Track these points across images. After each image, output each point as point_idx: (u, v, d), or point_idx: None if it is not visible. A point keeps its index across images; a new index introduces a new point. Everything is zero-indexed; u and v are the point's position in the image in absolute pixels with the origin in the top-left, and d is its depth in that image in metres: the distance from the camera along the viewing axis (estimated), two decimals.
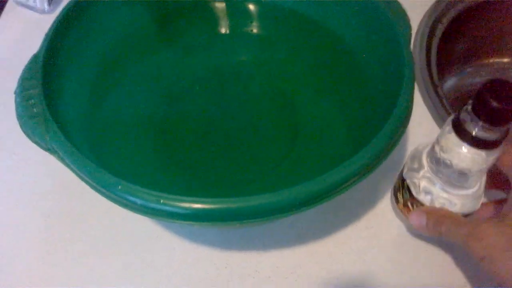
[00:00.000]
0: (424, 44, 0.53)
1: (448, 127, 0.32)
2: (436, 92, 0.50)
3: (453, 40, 0.57)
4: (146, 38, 0.47)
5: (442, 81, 0.62)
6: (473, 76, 0.62)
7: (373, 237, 0.40)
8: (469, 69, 0.62)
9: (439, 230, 0.35)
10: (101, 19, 0.43)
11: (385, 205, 0.42)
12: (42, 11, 0.57)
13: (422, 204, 0.36)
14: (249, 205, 0.28)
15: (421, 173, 0.35)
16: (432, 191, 0.35)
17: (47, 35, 0.38)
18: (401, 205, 0.39)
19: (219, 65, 0.48)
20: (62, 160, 0.31)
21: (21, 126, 0.33)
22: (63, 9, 0.39)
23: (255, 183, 0.41)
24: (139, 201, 0.28)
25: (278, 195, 0.28)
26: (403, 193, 0.38)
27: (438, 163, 0.34)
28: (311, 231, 0.40)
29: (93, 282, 0.38)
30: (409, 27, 0.38)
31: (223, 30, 0.49)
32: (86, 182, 0.30)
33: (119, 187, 0.28)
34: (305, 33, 0.46)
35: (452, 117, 0.32)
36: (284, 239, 0.40)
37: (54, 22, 0.38)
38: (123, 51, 0.45)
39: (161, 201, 0.28)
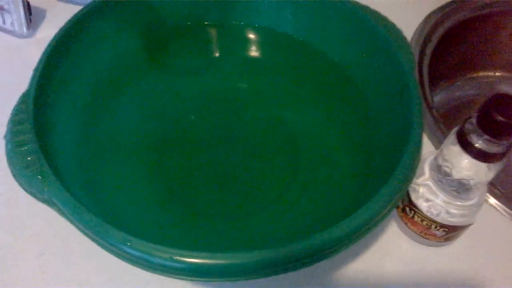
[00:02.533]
0: (416, 63, 0.53)
1: (452, 138, 0.33)
2: (431, 112, 0.50)
3: (443, 57, 0.57)
4: (137, 65, 0.45)
5: (432, 95, 0.62)
6: (462, 90, 0.63)
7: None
8: (457, 83, 0.63)
9: None
10: (89, 50, 0.41)
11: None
12: (21, 35, 0.54)
13: (419, 210, 0.37)
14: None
15: (422, 180, 0.36)
16: (431, 198, 0.36)
17: (36, 71, 0.35)
18: (400, 210, 0.39)
19: (214, 91, 0.46)
20: (62, 213, 0.29)
21: (14, 176, 0.31)
22: (51, 41, 0.37)
23: (255, 216, 0.40)
24: (151, 259, 0.27)
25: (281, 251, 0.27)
26: (403, 198, 0.38)
27: (440, 173, 0.35)
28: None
29: None
30: (411, 54, 0.38)
31: (217, 55, 0.47)
32: (91, 238, 0.29)
33: (128, 244, 0.27)
34: (304, 60, 0.45)
35: (456, 128, 0.33)
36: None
37: (43, 56, 0.36)
38: (114, 80, 0.43)
39: (175, 257, 0.26)
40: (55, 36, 0.37)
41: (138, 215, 0.37)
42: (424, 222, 0.37)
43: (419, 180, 0.37)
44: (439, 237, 0.38)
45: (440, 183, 0.36)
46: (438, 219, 0.36)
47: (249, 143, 0.44)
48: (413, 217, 0.38)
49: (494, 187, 0.43)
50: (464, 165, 0.33)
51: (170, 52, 0.46)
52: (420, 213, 0.37)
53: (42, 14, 0.57)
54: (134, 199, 0.39)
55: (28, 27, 0.54)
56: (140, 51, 0.45)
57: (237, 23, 0.46)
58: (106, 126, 0.41)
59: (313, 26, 0.44)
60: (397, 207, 0.40)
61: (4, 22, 0.53)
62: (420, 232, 0.39)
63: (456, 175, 0.33)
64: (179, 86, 0.46)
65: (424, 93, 0.52)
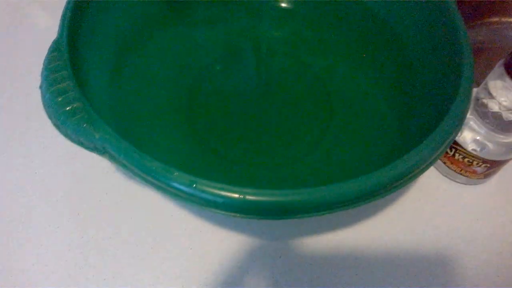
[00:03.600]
0: None
1: (499, 71, 0.33)
2: None
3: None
4: (160, 15, 0.42)
5: None
6: (473, 35, 0.62)
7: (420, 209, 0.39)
8: (470, 29, 0.62)
9: None
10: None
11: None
12: None
13: (461, 147, 0.37)
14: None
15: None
16: (473, 135, 0.36)
17: (64, 17, 0.33)
18: None
19: (243, 40, 0.45)
20: (115, 160, 0.28)
21: (56, 126, 0.29)
22: None
23: (292, 165, 0.39)
24: (219, 200, 0.26)
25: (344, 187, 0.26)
26: None
27: (484, 108, 0.34)
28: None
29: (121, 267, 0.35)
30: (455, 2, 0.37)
31: (243, 1, 0.45)
32: (148, 182, 0.27)
33: (194, 185, 0.26)
34: (340, 9, 0.43)
35: (502, 61, 0.33)
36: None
37: (69, 3, 0.34)
38: (138, 30, 0.41)
39: (246, 197, 0.25)
40: None
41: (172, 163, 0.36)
42: (466, 159, 0.37)
43: None
44: (479, 174, 0.38)
45: (482, 119, 0.35)
46: (481, 155, 0.36)
47: (279, 91, 0.43)
48: (453, 155, 0.38)
49: None
50: (510, 98, 0.32)
51: (190, 2, 0.44)
52: (462, 149, 0.37)
53: None
54: (167, 149, 0.37)
55: None
56: (161, 4, 0.43)
57: None
58: (134, 79, 0.39)
59: None
60: None
61: None
62: (460, 170, 0.39)
63: (502, 108, 0.33)
64: (204, 35, 0.44)
65: None
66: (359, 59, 0.43)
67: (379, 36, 0.41)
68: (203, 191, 0.26)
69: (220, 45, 0.44)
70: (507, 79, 0.32)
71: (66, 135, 0.29)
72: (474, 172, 0.38)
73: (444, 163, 0.40)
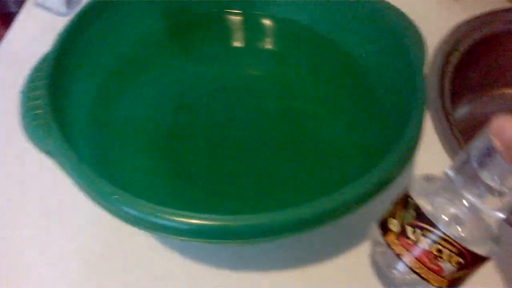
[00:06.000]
0: (439, 71, 0.53)
1: None
2: (448, 121, 0.49)
3: (468, 68, 0.56)
4: (158, 45, 0.47)
5: (454, 110, 0.61)
6: (486, 106, 0.61)
7: None
8: (482, 99, 0.61)
9: None
10: (115, 23, 0.43)
11: None
12: (59, 14, 0.57)
13: (430, 229, 0.29)
14: (246, 224, 0.27)
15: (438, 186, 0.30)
16: (454, 209, 0.29)
17: (59, 35, 0.38)
18: (392, 235, 0.31)
19: (230, 79, 0.48)
20: (61, 165, 0.31)
21: (23, 127, 0.33)
22: (78, 11, 0.40)
23: (261, 199, 0.40)
24: (135, 213, 0.28)
25: (276, 215, 0.28)
26: (404, 215, 0.30)
27: (483, 164, 0.27)
28: (311, 254, 0.39)
29: None
30: (424, 53, 0.38)
31: (237, 44, 0.49)
32: (83, 190, 0.30)
33: (116, 197, 0.28)
34: (320, 52, 0.46)
35: None
36: (281, 261, 0.39)
37: (68, 22, 0.38)
38: (134, 57, 0.45)
39: (157, 214, 0.27)
40: (82, 7, 0.40)
41: (139, 185, 0.38)
42: (435, 247, 0.29)
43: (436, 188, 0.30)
44: (443, 277, 0.29)
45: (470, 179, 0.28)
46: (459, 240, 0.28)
47: (259, 131, 0.44)
48: (417, 241, 0.29)
49: None
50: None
51: (191, 38, 0.48)
52: (430, 230, 0.29)
53: None
54: (138, 170, 0.40)
55: (67, 6, 0.57)
56: (163, 33, 0.47)
57: (260, 13, 0.48)
58: (120, 102, 0.43)
59: (336, 23, 0.46)
60: (386, 234, 0.31)
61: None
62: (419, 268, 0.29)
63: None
64: (196, 71, 0.47)
65: (444, 105, 0.51)
66: (335, 104, 0.45)
67: (355, 84, 0.44)
68: (125, 204, 0.28)
69: (212, 81, 0.47)
70: None
71: (28, 136, 0.32)
72: (438, 271, 0.29)
73: (399, 255, 0.30)
